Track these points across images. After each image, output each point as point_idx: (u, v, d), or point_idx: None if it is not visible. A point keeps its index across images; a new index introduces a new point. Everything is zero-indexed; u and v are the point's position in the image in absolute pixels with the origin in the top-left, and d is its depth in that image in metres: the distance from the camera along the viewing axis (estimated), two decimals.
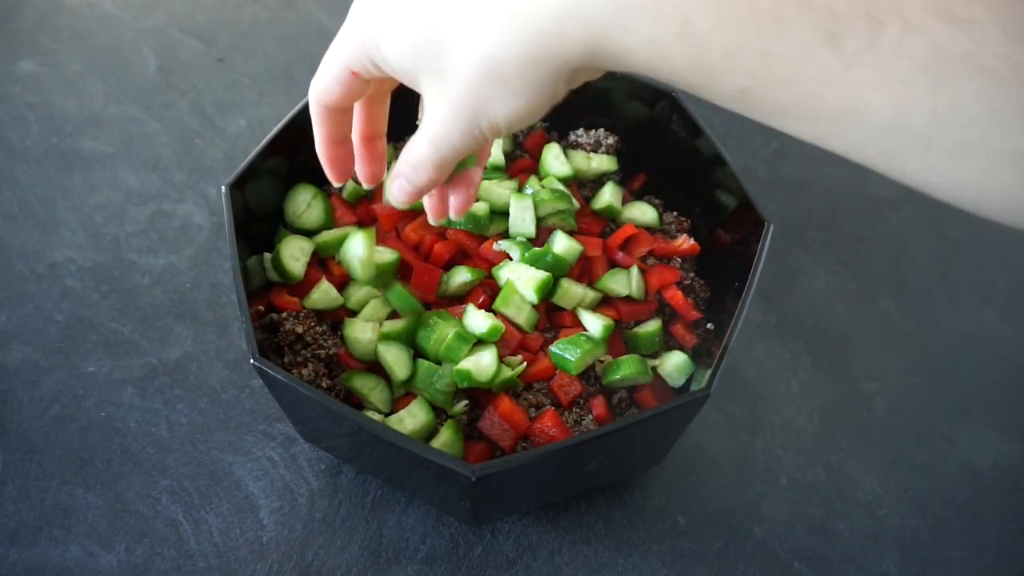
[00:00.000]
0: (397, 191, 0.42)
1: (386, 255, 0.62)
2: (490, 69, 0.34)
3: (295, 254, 0.62)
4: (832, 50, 0.29)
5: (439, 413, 0.57)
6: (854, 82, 0.29)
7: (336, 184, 0.48)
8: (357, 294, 0.61)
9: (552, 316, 0.63)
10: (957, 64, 0.27)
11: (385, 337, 0.58)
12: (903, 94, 0.28)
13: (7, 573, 0.57)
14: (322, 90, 0.42)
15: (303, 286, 0.62)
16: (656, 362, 0.61)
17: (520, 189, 0.67)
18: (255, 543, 0.60)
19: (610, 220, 0.69)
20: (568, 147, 0.73)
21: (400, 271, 0.63)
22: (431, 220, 0.48)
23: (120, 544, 0.59)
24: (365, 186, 0.49)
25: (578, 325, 0.62)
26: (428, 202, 0.47)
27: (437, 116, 0.37)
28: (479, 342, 0.58)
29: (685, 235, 0.68)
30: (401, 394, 0.59)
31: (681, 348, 0.62)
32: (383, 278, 0.61)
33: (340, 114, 0.44)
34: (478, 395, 0.59)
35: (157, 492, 0.62)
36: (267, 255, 0.62)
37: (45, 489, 0.61)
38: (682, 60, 0.32)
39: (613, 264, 0.66)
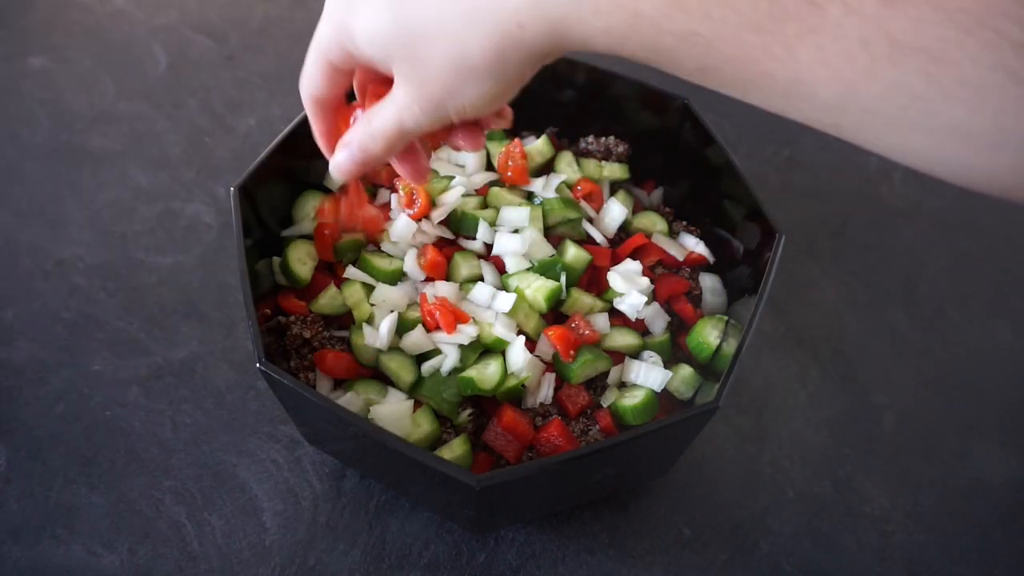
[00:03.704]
0: (346, 160, 0.43)
1: (395, 263, 0.62)
2: (458, 61, 0.36)
3: (303, 258, 0.61)
4: (775, 33, 0.31)
5: (444, 422, 0.57)
6: (799, 62, 0.31)
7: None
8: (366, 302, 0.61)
9: None
10: (894, 43, 0.29)
11: (389, 347, 0.58)
12: (846, 72, 0.30)
13: (9, 572, 0.57)
14: (307, 84, 0.43)
15: (311, 290, 0.62)
16: None
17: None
18: (258, 546, 0.59)
19: (620, 229, 0.68)
20: (578, 154, 0.72)
21: None
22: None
23: (123, 544, 0.59)
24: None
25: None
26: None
27: (407, 98, 0.39)
28: (486, 351, 0.58)
29: (695, 244, 0.68)
30: None
31: (688, 361, 0.61)
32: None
33: (331, 105, 0.45)
34: (484, 403, 0.58)
35: (161, 493, 0.62)
36: (275, 259, 0.62)
37: (49, 488, 0.61)
38: (637, 46, 0.34)
39: None
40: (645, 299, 0.60)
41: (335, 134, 0.46)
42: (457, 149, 0.46)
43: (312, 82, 0.43)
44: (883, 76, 0.30)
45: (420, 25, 0.36)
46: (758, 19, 0.30)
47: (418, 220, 0.62)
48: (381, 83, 0.44)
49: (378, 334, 0.58)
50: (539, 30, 0.35)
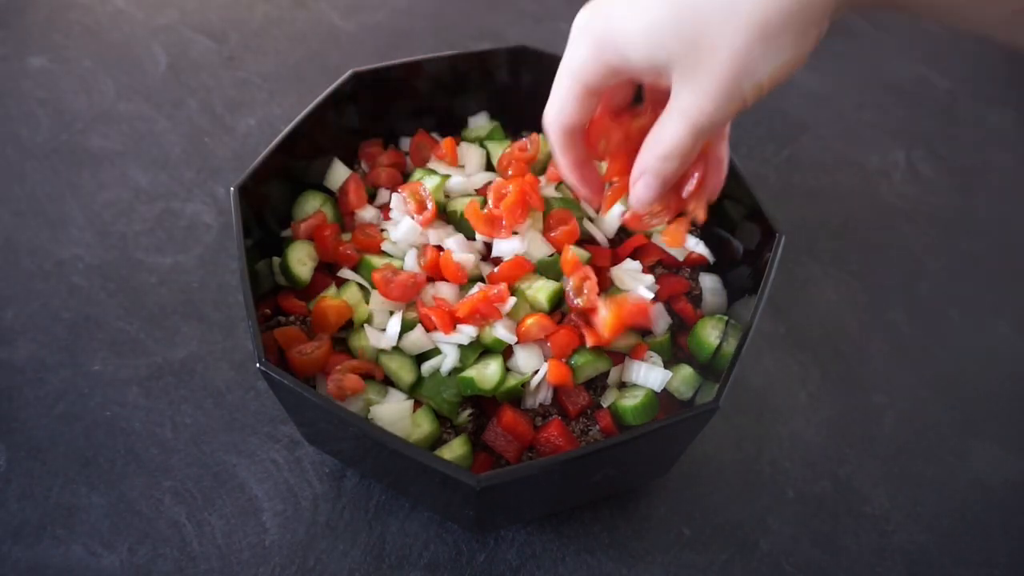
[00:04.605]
0: (644, 190, 0.41)
1: (394, 263, 0.61)
2: (758, 32, 0.34)
3: (303, 259, 0.61)
4: None
5: (444, 422, 0.57)
6: None
7: (594, 206, 0.47)
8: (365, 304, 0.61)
9: None
10: None
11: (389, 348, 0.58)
12: None
13: (9, 572, 0.57)
14: (559, 115, 0.42)
15: (310, 290, 0.62)
16: None
17: None
18: (258, 546, 0.59)
19: (620, 229, 0.68)
20: None
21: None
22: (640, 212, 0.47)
23: (123, 544, 0.59)
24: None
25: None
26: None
27: (694, 97, 0.36)
28: (486, 351, 0.58)
29: (695, 244, 0.68)
30: None
31: (688, 361, 0.61)
32: None
33: (580, 134, 0.44)
34: (484, 403, 0.58)
35: (161, 493, 0.62)
36: (275, 259, 0.62)
37: (49, 488, 0.61)
38: None
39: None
40: (652, 295, 0.60)
41: (584, 164, 0.45)
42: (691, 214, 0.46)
43: (565, 112, 0.41)
44: None
45: (705, 6, 0.34)
46: None
47: (425, 227, 0.62)
48: (626, 108, 0.44)
49: (382, 334, 0.58)
50: None
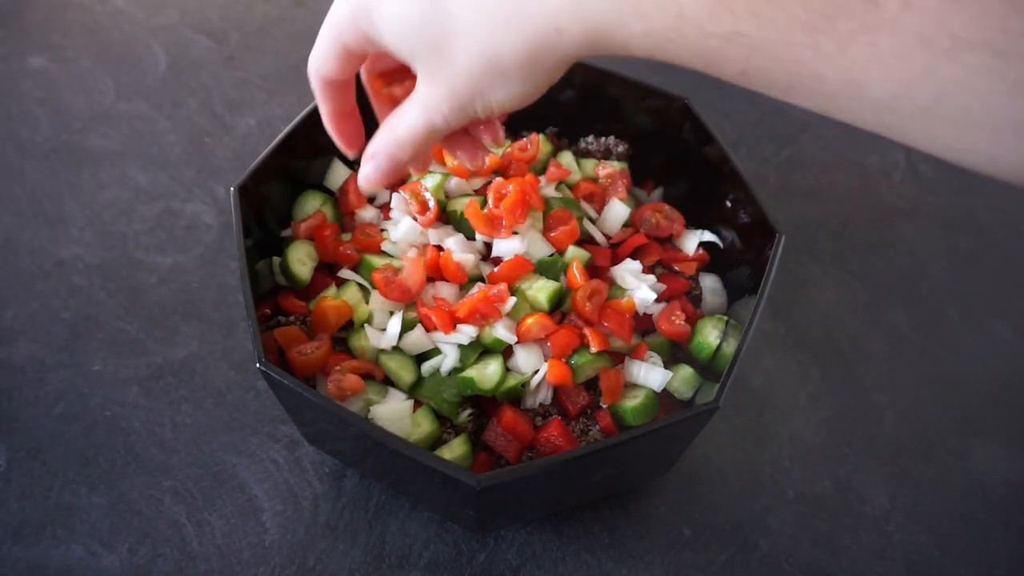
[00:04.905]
0: (374, 171, 0.42)
1: (395, 263, 0.61)
2: (490, 63, 0.35)
3: (303, 259, 0.61)
4: (827, 32, 0.29)
5: (444, 422, 0.57)
6: (852, 62, 0.29)
7: (350, 156, 0.47)
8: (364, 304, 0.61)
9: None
10: (954, 39, 0.28)
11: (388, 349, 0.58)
12: (902, 71, 0.29)
13: (9, 572, 0.57)
14: (317, 63, 0.42)
15: (310, 290, 0.62)
16: None
17: None
18: (258, 546, 0.59)
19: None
20: (578, 154, 0.72)
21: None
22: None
23: (123, 544, 0.59)
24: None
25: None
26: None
27: (433, 97, 0.38)
28: (486, 351, 0.58)
29: (695, 244, 0.68)
30: None
31: (688, 361, 0.61)
32: None
33: (341, 87, 0.43)
34: (484, 403, 0.58)
35: (160, 493, 0.62)
36: (275, 259, 0.62)
37: (49, 488, 0.61)
38: (679, 49, 0.32)
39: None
40: (655, 295, 0.60)
41: (342, 116, 0.45)
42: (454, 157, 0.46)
43: (323, 62, 0.41)
44: (942, 74, 0.28)
45: (451, 20, 0.35)
46: (809, 18, 0.29)
47: (426, 228, 0.62)
48: (395, 72, 0.43)
49: (382, 334, 0.58)
50: (577, 35, 0.33)
